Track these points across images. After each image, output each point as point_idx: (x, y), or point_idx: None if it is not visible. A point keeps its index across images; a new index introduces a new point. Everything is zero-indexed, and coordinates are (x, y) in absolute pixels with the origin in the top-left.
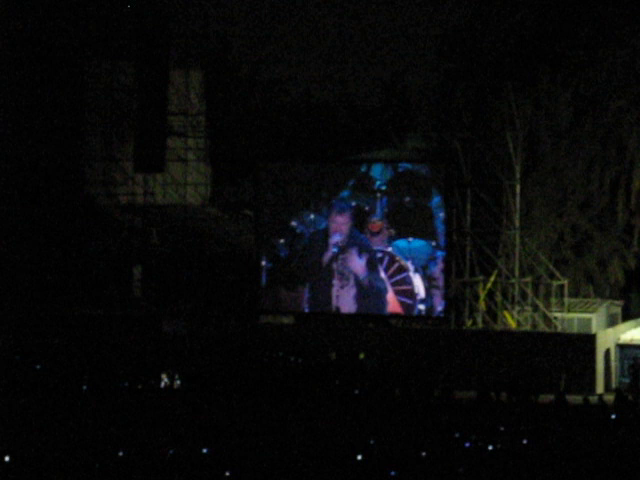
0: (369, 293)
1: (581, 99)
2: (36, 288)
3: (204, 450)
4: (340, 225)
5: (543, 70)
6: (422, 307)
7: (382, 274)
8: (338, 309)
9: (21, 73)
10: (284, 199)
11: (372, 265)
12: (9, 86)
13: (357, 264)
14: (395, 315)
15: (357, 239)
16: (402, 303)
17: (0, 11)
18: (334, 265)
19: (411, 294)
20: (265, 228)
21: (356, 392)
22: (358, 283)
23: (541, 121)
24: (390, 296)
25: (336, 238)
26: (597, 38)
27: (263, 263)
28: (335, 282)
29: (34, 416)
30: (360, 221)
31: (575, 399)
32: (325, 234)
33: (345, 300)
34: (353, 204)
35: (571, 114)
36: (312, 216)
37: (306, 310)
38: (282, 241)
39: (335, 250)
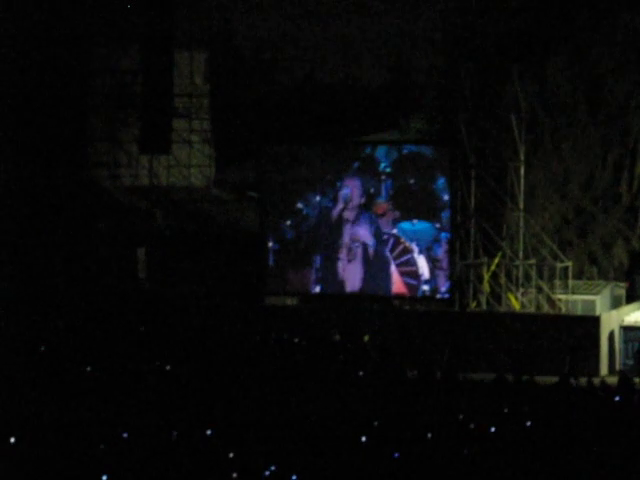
0: (375, 270)
1: (585, 80)
2: (40, 271)
3: (208, 432)
4: (352, 188)
5: (547, 51)
6: (426, 287)
7: (387, 255)
8: (343, 283)
9: (26, 55)
10: (289, 181)
11: (379, 243)
12: (13, 68)
13: (365, 238)
14: (400, 296)
15: (365, 214)
16: (407, 283)
17: None
18: (343, 239)
19: (415, 275)
20: (270, 210)
21: (360, 374)
22: (365, 258)
23: (543, 102)
24: (395, 276)
25: (346, 191)
26: (601, 20)
27: (270, 244)
28: (342, 256)
29: (38, 398)
30: (367, 201)
31: (579, 381)
32: (329, 202)
33: (351, 275)
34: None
35: (573, 95)
36: (318, 198)
37: (313, 291)
38: (288, 223)
39: (344, 202)
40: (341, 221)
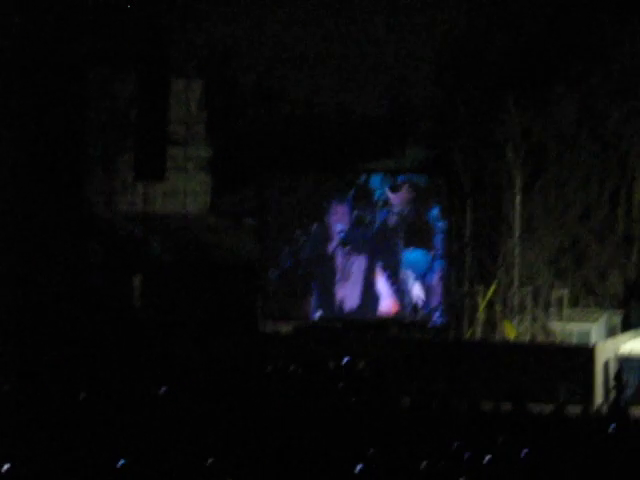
0: (371, 291)
1: (582, 109)
2: (34, 297)
3: (205, 460)
4: (342, 216)
5: (546, 80)
6: (421, 313)
7: (383, 280)
8: (341, 304)
9: (22, 82)
10: (286, 209)
11: (373, 266)
12: (9, 94)
13: (360, 261)
14: (395, 321)
15: (360, 236)
16: (401, 309)
17: (2, 20)
18: (338, 260)
19: (410, 300)
20: (269, 238)
21: (355, 401)
22: (360, 276)
23: (546, 131)
24: (390, 301)
25: (339, 227)
26: (598, 49)
27: (269, 272)
28: (338, 277)
29: (34, 425)
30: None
31: (574, 410)
32: (326, 230)
33: (348, 293)
34: (354, 210)
35: (574, 125)
36: (315, 226)
37: (314, 316)
38: (287, 250)
39: (341, 236)
40: (337, 246)
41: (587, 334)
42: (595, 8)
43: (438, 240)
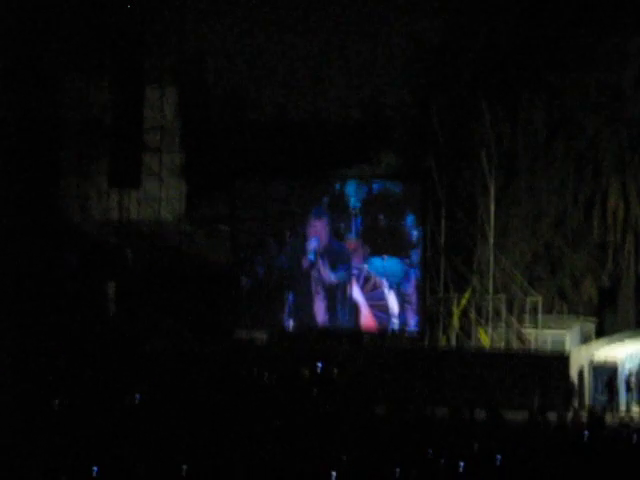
0: (343, 305)
1: (557, 118)
2: (8, 304)
3: (181, 466)
4: (317, 223)
5: (520, 89)
6: (396, 321)
7: (358, 290)
8: (313, 315)
9: None
10: (260, 216)
11: (348, 276)
12: None
13: (334, 269)
14: (370, 331)
15: (335, 247)
16: (377, 317)
17: None
18: (312, 272)
19: (385, 309)
20: (242, 245)
21: (329, 408)
22: (329, 292)
23: (519, 139)
24: (365, 311)
25: (313, 244)
26: (573, 58)
27: (242, 279)
28: (312, 288)
29: (9, 434)
30: (337, 235)
31: (549, 417)
32: (302, 242)
33: (320, 306)
34: (330, 216)
35: (547, 133)
36: (288, 233)
37: (286, 324)
38: (259, 258)
39: (312, 258)
40: (312, 254)
41: (561, 341)
42: (570, 19)
43: (413, 248)
